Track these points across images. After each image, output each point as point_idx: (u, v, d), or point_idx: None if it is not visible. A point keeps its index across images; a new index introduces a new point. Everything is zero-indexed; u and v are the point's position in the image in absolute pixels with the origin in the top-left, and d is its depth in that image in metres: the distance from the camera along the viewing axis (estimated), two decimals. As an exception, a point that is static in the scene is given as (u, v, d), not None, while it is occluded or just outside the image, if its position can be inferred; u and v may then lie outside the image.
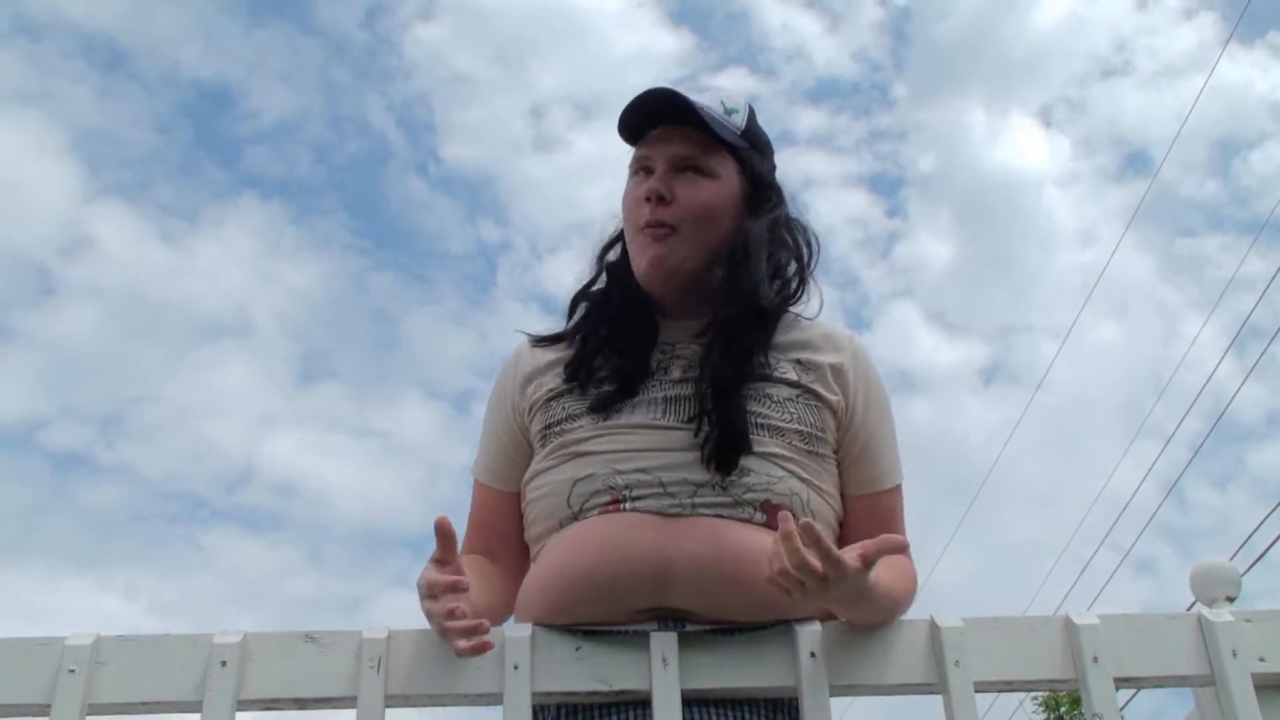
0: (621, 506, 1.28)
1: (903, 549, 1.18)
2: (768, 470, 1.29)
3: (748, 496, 1.27)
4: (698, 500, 1.27)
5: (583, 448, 1.34)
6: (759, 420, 1.32)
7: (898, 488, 1.41)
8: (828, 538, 1.12)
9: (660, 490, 1.27)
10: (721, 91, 1.47)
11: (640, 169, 1.46)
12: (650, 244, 1.41)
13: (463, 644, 1.13)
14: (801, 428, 1.34)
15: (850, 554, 1.13)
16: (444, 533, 1.18)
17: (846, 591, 1.14)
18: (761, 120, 1.51)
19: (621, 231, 1.53)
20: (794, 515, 1.25)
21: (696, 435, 1.30)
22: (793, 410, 1.35)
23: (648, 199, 1.41)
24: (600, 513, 1.29)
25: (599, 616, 1.23)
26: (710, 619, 1.22)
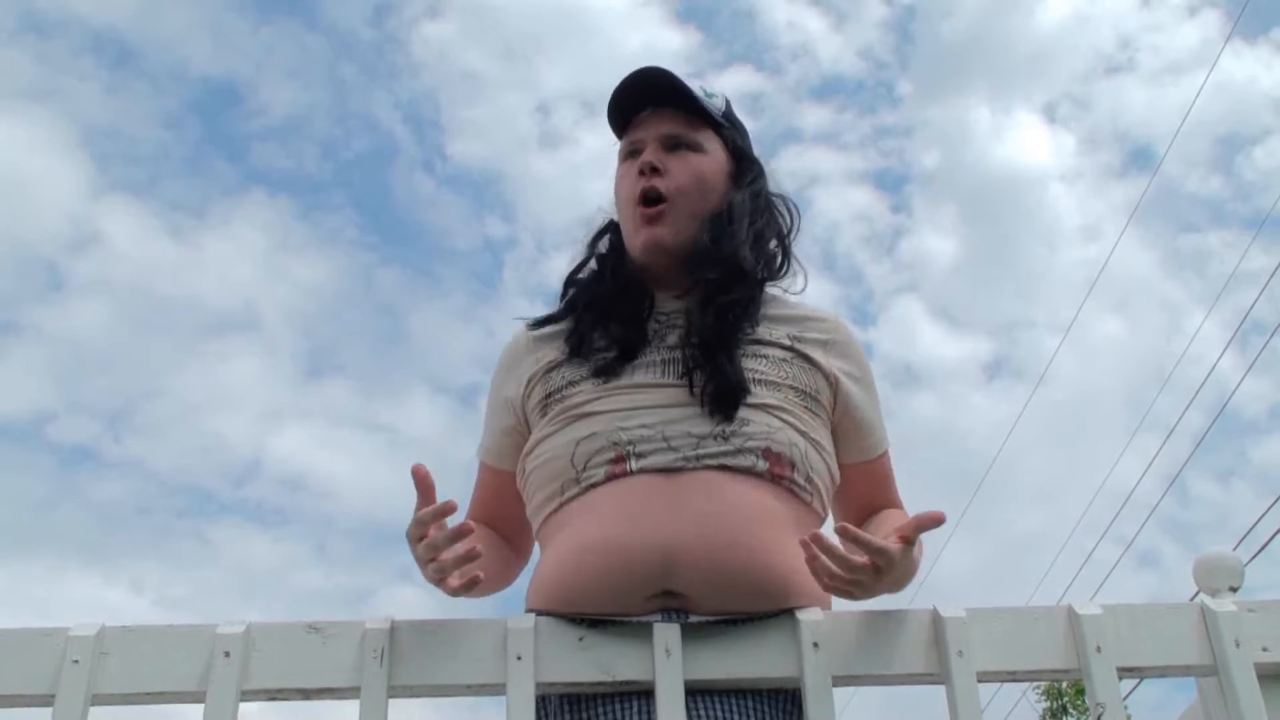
0: (627, 465, 1.31)
1: (938, 522, 1.20)
2: (766, 420, 1.33)
3: (749, 445, 1.31)
4: (701, 451, 1.30)
5: (584, 409, 1.37)
6: (756, 376, 1.36)
7: (886, 453, 1.49)
8: (863, 533, 1.17)
9: (664, 444, 1.31)
10: (701, 81, 1.54)
11: (631, 152, 1.52)
12: (644, 225, 1.46)
13: (454, 581, 1.20)
14: (797, 385, 1.39)
15: (892, 540, 1.19)
16: (423, 482, 1.19)
17: (898, 574, 1.21)
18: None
19: (610, 223, 1.58)
20: (793, 465, 1.33)
21: (692, 391, 1.34)
22: (787, 370, 1.40)
23: (641, 172, 1.46)
24: (606, 474, 1.32)
25: (607, 609, 1.23)
26: (714, 609, 1.23)
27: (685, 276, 1.46)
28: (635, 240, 1.47)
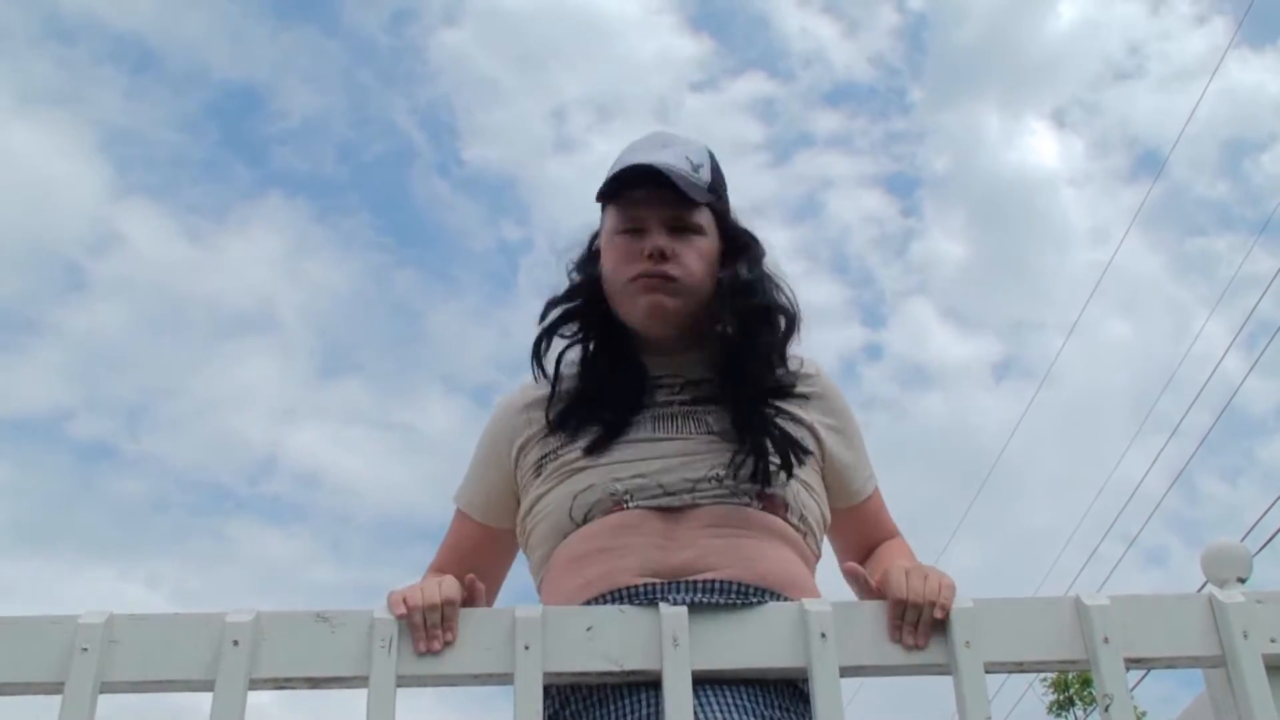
0: (625, 509, 1.37)
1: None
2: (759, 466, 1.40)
3: (744, 487, 1.38)
4: (697, 493, 1.37)
5: (579, 464, 1.41)
6: None
7: (876, 491, 1.57)
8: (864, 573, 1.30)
9: (660, 491, 1.37)
10: (687, 146, 1.52)
11: (629, 229, 1.49)
12: (644, 292, 1.45)
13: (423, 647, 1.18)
14: (790, 434, 1.44)
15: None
16: (472, 588, 1.24)
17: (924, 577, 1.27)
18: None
19: (580, 282, 1.55)
20: (787, 506, 1.40)
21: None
22: (777, 424, 1.44)
23: (650, 255, 1.45)
24: (603, 517, 1.38)
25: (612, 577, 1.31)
26: (720, 576, 1.30)
27: (675, 341, 1.49)
28: (635, 309, 1.47)
